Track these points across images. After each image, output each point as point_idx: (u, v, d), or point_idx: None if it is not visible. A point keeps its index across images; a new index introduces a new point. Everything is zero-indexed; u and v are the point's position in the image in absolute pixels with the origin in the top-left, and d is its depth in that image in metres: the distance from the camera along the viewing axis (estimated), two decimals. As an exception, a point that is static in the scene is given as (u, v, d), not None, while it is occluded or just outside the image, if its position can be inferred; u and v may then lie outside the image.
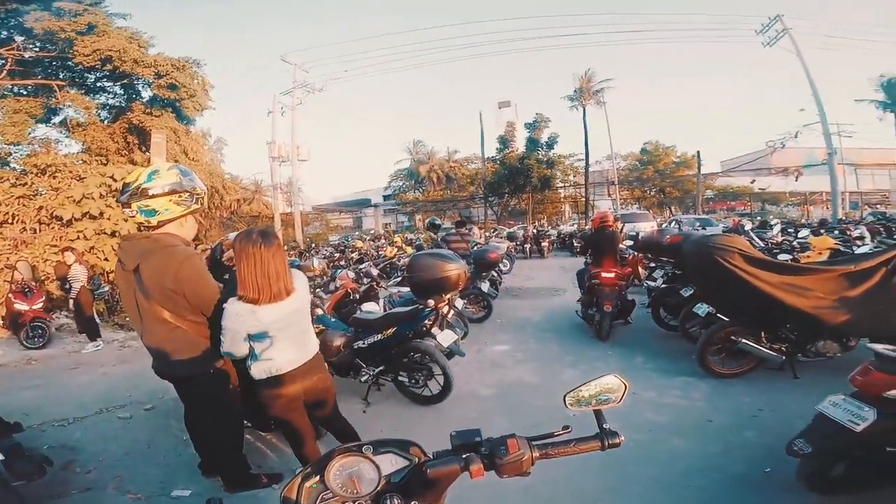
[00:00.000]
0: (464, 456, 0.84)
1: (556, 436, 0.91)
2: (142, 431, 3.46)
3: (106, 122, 12.52)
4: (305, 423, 2.22)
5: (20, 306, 6.59)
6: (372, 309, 4.09)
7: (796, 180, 25.40)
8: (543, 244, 15.44)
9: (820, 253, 5.13)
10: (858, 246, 5.81)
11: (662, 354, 4.41)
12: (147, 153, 11.35)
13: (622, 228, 7.88)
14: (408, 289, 5.55)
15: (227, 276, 2.43)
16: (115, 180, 8.57)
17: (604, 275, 4.98)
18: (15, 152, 11.16)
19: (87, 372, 5.18)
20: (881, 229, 9.33)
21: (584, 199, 28.12)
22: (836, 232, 8.36)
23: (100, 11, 10.92)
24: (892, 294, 3.02)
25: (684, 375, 3.79)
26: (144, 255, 2.06)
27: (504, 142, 29.71)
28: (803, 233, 7.27)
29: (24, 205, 8.39)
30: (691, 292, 4.41)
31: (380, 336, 3.49)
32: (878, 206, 25.08)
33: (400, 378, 3.56)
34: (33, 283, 7.13)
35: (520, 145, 29.45)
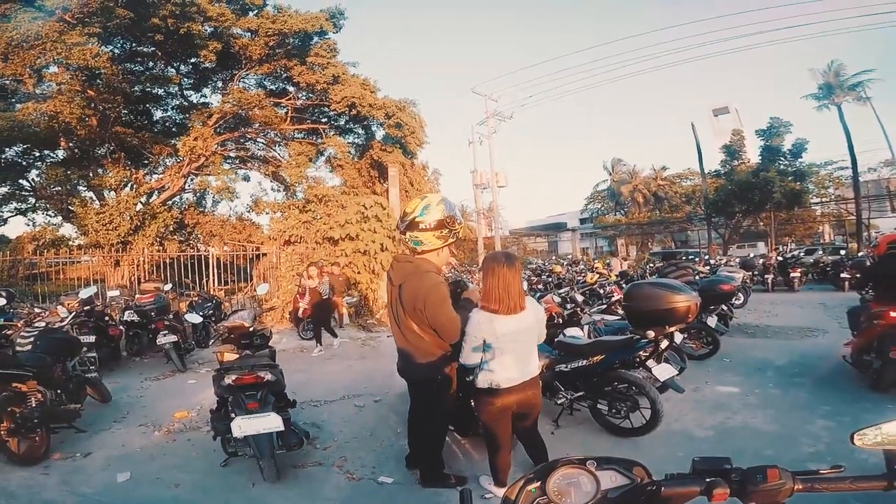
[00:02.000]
0: (707, 479, 0.81)
1: (824, 473, 0.82)
2: (369, 419, 4.03)
3: (354, 159, 15.51)
4: (507, 433, 2.41)
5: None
6: (576, 334, 4.08)
7: None
8: (793, 274, 12.30)
9: None
10: None
11: None
12: (385, 185, 13.60)
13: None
14: (613, 317, 5.38)
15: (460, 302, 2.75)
16: (365, 208, 10.55)
17: (893, 314, 3.80)
18: (297, 187, 14.74)
19: (338, 364, 6.42)
20: None
21: (852, 217, 21.51)
22: None
23: (338, 63, 13.45)
24: None
25: None
26: (407, 276, 2.55)
27: (732, 152, 25.07)
28: None
29: (307, 228, 10.88)
30: None
31: (584, 362, 3.45)
32: None
33: (599, 406, 3.45)
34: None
35: (751, 156, 24.65)
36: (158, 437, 3.76)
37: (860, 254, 12.55)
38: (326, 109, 14.60)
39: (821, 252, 16.46)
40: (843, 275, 11.40)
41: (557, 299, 5.79)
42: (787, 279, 12.39)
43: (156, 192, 14.25)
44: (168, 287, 7.89)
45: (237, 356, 3.30)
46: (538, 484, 0.88)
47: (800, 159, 22.33)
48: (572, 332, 4.17)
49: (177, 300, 8.62)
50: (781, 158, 22.28)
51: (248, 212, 16.25)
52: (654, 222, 33.48)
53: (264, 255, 11.16)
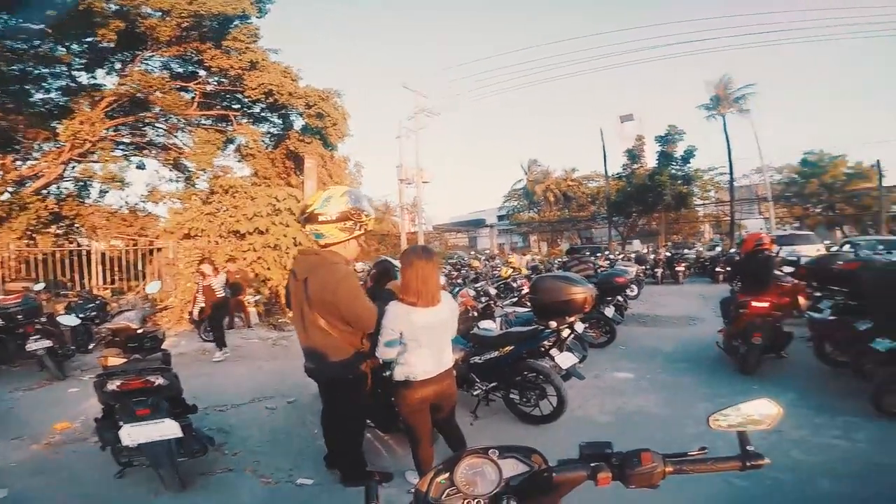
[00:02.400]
0: (592, 464, 0.87)
1: (692, 455, 0.89)
2: (282, 421, 3.93)
3: (268, 149, 14.59)
4: (428, 425, 2.42)
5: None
6: (489, 326, 4.19)
7: None
8: (678, 269, 13.91)
9: None
10: None
11: (822, 392, 3.83)
12: (301, 177, 12.95)
13: (778, 252, 6.84)
14: (523, 309, 5.58)
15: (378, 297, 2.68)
16: (277, 200, 10.03)
17: (755, 304, 4.41)
18: (201, 176, 13.55)
19: (245, 366, 6.07)
20: None
21: (727, 219, 24.84)
22: None
23: (258, 49, 12.58)
24: None
25: (848, 415, 3.27)
26: (312, 269, 2.42)
27: (633, 157, 27.59)
28: None
29: (210, 221, 10.08)
30: (870, 325, 3.67)
31: (496, 353, 3.58)
32: None
33: (511, 395, 3.61)
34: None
35: (650, 161, 27.33)
36: (38, 451, 3.37)
37: (731, 250, 14.44)
38: (240, 96, 13.51)
39: (687, 249, 18.42)
40: (717, 269, 13.07)
41: (472, 293, 5.89)
42: (674, 273, 13.93)
43: (29, 181, 12.13)
44: (39, 286, 6.93)
45: (124, 360, 3.07)
46: (447, 475, 0.91)
47: (688, 165, 25.19)
48: (486, 324, 4.28)
49: (51, 301, 7.70)
50: (674, 163, 24.97)
51: (143, 202, 14.66)
52: (562, 220, 35.81)
53: (160, 249, 10.11)
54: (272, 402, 4.38)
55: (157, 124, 14.24)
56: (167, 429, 2.60)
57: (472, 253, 26.81)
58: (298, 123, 14.44)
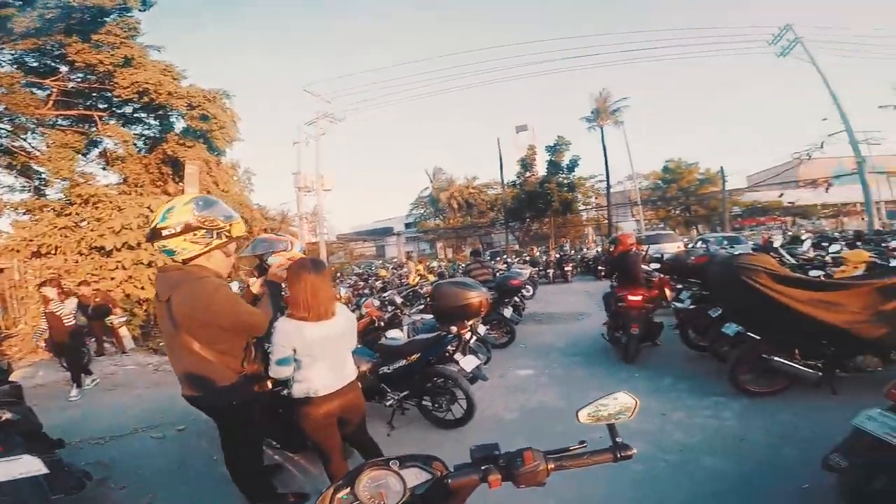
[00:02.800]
0: (482, 468, 0.90)
1: (573, 450, 0.95)
2: (174, 451, 3.60)
3: (142, 153, 12.94)
4: (337, 441, 2.33)
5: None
6: (396, 336, 4.16)
7: (826, 192, 24.47)
8: (567, 269, 15.27)
9: (855, 267, 4.94)
10: (896, 258, 5.56)
11: (692, 375, 4.32)
12: (181, 184, 11.79)
13: (647, 250, 7.78)
14: (431, 316, 5.63)
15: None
16: (151, 211, 8.99)
17: (630, 298, 4.94)
18: (55, 185, 11.54)
19: (123, 394, 5.42)
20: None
21: (606, 221, 27.83)
22: (872, 244, 8.01)
23: (136, 45, 11.32)
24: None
25: (715, 395, 3.71)
26: (176, 287, 2.09)
27: (526, 165, 29.60)
28: (835, 247, 6.99)
29: (65, 236, 8.72)
30: (720, 312, 4.31)
31: (404, 362, 3.58)
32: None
33: (424, 402, 3.63)
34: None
35: (541, 169, 29.57)
36: None
37: (611, 249, 16.21)
38: (110, 94, 11.77)
39: (564, 252, 20.35)
40: (599, 268, 14.56)
41: (377, 303, 5.78)
42: (563, 273, 15.21)
43: None
44: None
45: None
46: (348, 490, 0.88)
47: (573, 173, 27.75)
48: (392, 333, 4.25)
49: None
50: (561, 172, 27.33)
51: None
52: (465, 227, 37.17)
53: (1, 270, 8.48)
54: (158, 432, 4.02)
55: (-1, 125, 11.78)
56: (26, 465, 2.24)
57: (380, 262, 26.46)
58: (180, 126, 13.03)
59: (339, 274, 18.77)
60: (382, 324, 5.14)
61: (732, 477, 2.55)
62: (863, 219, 22.70)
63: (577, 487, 2.48)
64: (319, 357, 2.20)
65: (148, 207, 9.10)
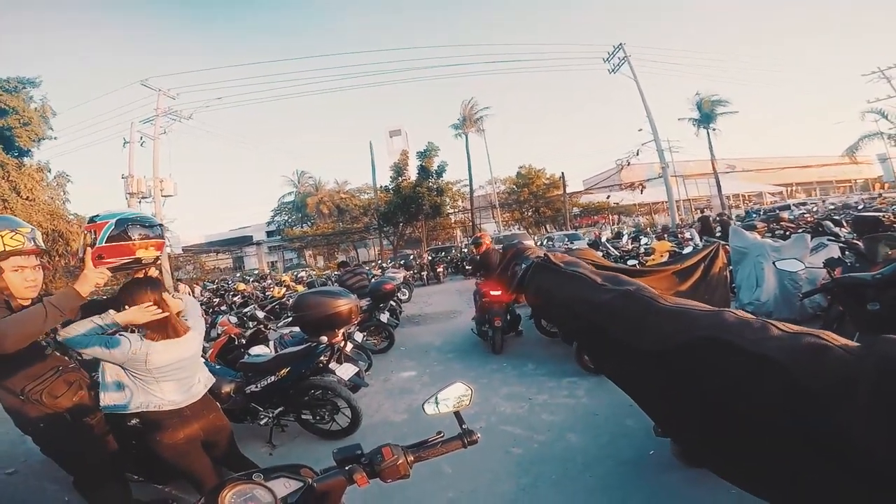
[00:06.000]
0: (347, 468, 0.92)
1: (430, 441, 1.02)
2: (12, 498, 3.20)
3: None
4: (205, 464, 2.11)
5: None
6: (261, 352, 3.91)
7: (641, 193, 29.88)
8: (439, 269, 15.87)
9: (661, 255, 6.12)
10: (689, 246, 7.07)
11: (549, 360, 4.78)
12: None
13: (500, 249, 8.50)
14: (298, 328, 5.31)
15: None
16: None
17: (492, 293, 5.30)
18: None
19: None
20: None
21: (470, 223, 29.67)
22: (674, 236, 10.05)
23: None
24: (711, 284, 3.74)
25: (569, 376, 4.16)
26: None
27: (399, 170, 29.87)
28: (645, 240, 8.61)
29: None
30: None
31: (273, 378, 3.36)
32: (705, 209, 30.65)
33: (303, 416, 3.47)
34: None
35: (412, 174, 30.22)
36: None
37: (473, 249, 17.39)
38: None
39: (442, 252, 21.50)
40: (467, 267, 15.47)
41: (234, 319, 5.28)
42: (436, 273, 15.80)
43: None
44: None
45: None
46: None
47: (442, 178, 28.98)
48: (257, 350, 4.00)
49: None
50: (431, 177, 28.29)
51: None
52: (337, 233, 36.03)
53: None
54: None
55: None
56: None
57: (238, 275, 23.98)
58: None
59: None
60: (244, 341, 4.71)
61: (593, 449, 2.85)
62: (667, 215, 28.25)
63: (470, 476, 2.66)
64: (168, 377, 1.98)
65: None
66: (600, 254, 6.22)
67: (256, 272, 26.12)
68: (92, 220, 1.87)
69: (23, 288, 1.95)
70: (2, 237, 1.88)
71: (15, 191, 10.44)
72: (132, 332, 1.93)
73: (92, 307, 1.97)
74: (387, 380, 4.90)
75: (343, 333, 3.63)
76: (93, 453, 2.17)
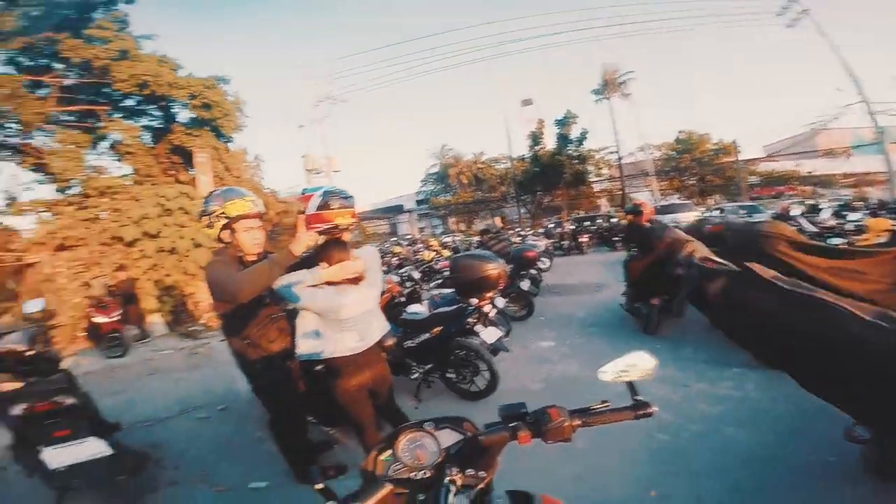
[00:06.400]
0: (511, 425, 0.96)
1: (595, 408, 1.00)
2: (220, 430, 3.75)
3: (149, 145, 12.91)
4: (369, 411, 2.40)
5: (99, 319, 7.23)
6: (418, 310, 4.21)
7: (848, 159, 23.77)
8: (582, 240, 15.12)
9: (878, 235, 4.89)
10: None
11: (712, 346, 4.30)
12: (192, 172, 11.89)
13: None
14: (449, 290, 5.74)
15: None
16: (167, 199, 9.10)
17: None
18: (71, 180, 11.83)
19: (163, 378, 5.64)
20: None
21: (619, 192, 27.44)
22: (893, 212, 7.84)
23: (128, 37, 11.25)
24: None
25: (736, 367, 3.71)
26: None
27: (536, 139, 29.26)
28: (856, 216, 6.87)
29: (87, 227, 8.87)
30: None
31: (427, 335, 3.65)
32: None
33: (448, 375, 3.70)
34: (108, 298, 7.79)
35: (549, 142, 29.12)
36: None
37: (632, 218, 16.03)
38: (109, 90, 11.67)
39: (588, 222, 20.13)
40: (615, 238, 14.45)
41: (397, 279, 5.89)
42: (578, 244, 15.10)
43: None
44: None
45: (19, 385, 2.77)
46: (389, 452, 0.97)
47: (582, 145, 27.34)
48: (414, 308, 4.30)
49: None
50: (571, 145, 26.95)
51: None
52: (476, 202, 36.96)
53: (31, 265, 8.69)
54: (202, 412, 4.20)
55: (5, 124, 11.93)
56: (93, 447, 2.50)
57: (394, 239, 26.62)
58: (184, 116, 12.99)
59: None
60: (403, 299, 5.27)
61: (757, 447, 2.55)
62: (881, 188, 22.09)
63: (601, 454, 2.55)
64: (349, 320, 2.21)
65: (164, 196, 9.16)
66: (794, 229, 5.23)
67: (409, 237, 28.58)
68: (304, 192, 2.25)
69: (251, 245, 2.40)
70: (234, 203, 2.34)
71: (227, 170, 13.04)
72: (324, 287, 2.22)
73: (293, 265, 2.34)
74: (525, 347, 4.95)
75: (490, 297, 3.73)
76: (290, 394, 2.61)
